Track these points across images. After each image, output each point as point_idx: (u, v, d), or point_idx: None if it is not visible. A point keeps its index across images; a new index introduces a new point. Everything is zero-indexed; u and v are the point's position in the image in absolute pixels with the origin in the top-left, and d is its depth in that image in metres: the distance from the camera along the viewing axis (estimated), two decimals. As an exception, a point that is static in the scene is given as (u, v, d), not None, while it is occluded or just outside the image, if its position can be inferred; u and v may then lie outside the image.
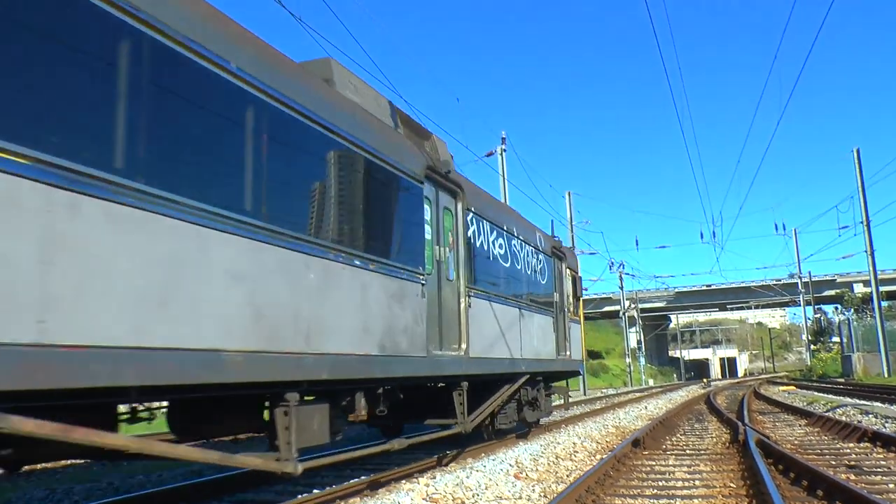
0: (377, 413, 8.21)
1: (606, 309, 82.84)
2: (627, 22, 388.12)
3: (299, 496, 7.94)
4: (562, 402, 18.11)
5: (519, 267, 12.38)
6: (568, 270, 16.41)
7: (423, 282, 8.31)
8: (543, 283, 14.04)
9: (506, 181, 30.25)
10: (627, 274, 63.97)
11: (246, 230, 5.24)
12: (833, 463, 9.50)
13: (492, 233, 11.05)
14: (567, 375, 17.23)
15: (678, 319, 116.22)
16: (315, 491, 8.21)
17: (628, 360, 65.10)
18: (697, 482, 8.38)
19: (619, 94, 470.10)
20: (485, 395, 11.14)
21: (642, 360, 72.72)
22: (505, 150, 31.06)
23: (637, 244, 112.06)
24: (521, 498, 7.57)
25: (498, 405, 11.67)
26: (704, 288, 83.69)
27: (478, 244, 10.39)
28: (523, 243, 12.79)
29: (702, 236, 73.59)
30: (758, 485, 7.49)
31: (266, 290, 5.43)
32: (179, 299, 4.50)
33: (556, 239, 16.04)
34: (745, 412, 18.22)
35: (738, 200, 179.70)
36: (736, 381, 77.14)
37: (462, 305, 9.61)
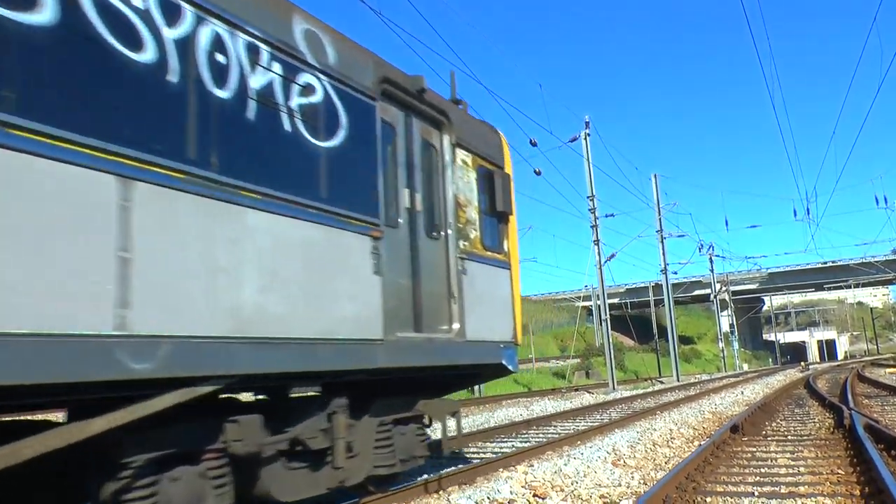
0: None
1: (697, 293, 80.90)
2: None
3: (402, 485, 8.01)
4: (453, 435, 8.22)
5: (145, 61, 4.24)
6: (462, 153, 8.02)
7: None
8: (324, 147, 5.75)
9: (591, 165, 30.00)
10: (717, 256, 62.42)
11: None
12: (950, 448, 9.07)
13: None
14: (472, 380, 9.59)
15: (772, 301, 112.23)
16: (424, 477, 8.14)
17: (721, 344, 63.58)
18: (802, 469, 8.16)
19: (705, 70, 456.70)
20: None
21: (735, 344, 70.70)
22: (589, 135, 30.84)
23: (727, 225, 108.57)
24: (619, 485, 7.54)
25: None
26: (799, 268, 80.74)
27: None
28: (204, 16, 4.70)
29: (795, 214, 70.54)
30: (869, 471, 7.24)
31: None
32: None
33: (415, 77, 7.32)
34: (850, 396, 17.55)
35: (834, 174, 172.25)
36: (836, 364, 74.18)
37: None
